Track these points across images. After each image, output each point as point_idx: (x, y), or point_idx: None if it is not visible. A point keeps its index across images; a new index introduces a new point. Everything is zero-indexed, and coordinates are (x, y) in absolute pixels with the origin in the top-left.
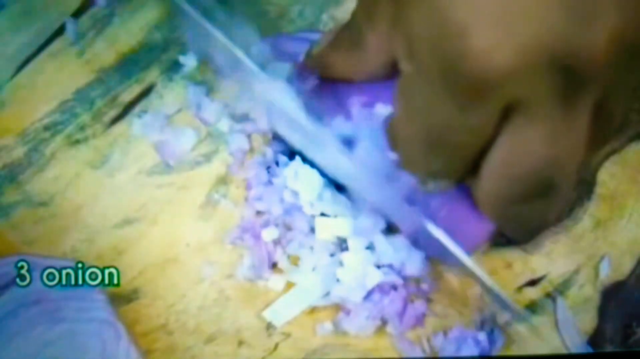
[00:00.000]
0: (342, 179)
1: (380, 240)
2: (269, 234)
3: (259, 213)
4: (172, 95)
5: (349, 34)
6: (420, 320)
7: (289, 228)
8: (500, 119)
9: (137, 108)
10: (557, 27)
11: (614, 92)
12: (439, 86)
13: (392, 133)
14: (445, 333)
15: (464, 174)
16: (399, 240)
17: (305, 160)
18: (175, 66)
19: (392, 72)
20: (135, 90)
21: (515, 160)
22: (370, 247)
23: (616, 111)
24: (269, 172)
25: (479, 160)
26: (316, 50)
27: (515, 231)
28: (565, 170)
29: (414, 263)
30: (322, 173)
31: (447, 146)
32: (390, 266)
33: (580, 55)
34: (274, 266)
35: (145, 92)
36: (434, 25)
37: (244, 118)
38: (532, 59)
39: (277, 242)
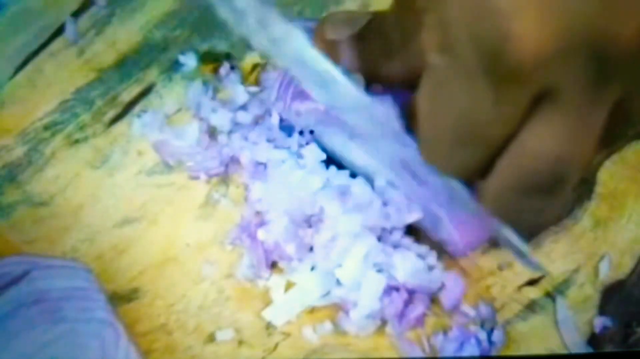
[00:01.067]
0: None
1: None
2: (264, 233)
3: (258, 213)
4: (171, 95)
5: (382, 32)
6: (420, 320)
7: (287, 227)
8: (530, 110)
9: (137, 108)
10: (594, 14)
11: (635, 91)
12: (476, 73)
13: (415, 128)
14: (445, 333)
15: (481, 171)
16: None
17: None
18: (175, 66)
19: (411, 78)
20: (135, 89)
21: (532, 152)
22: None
23: (632, 112)
24: (267, 171)
25: (496, 156)
26: (332, 34)
27: (513, 226)
28: (575, 167)
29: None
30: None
31: (474, 140)
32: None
33: (614, 44)
34: (273, 265)
35: (145, 92)
36: (473, 11)
37: (243, 117)
38: (568, 43)
39: (276, 242)
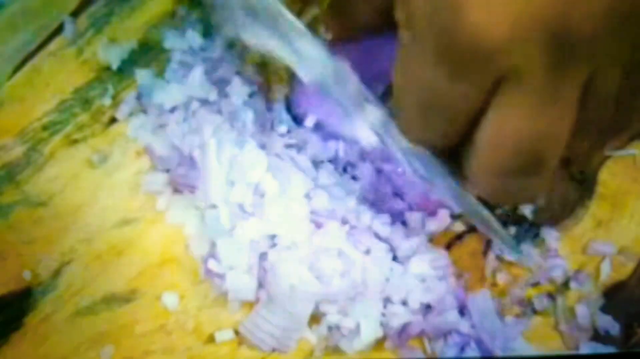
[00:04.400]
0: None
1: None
2: (215, 265)
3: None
4: (170, 95)
5: None
6: (419, 335)
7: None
8: (492, 89)
9: (135, 108)
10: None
11: (603, 71)
12: (432, 55)
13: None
14: (445, 338)
15: (457, 143)
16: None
17: None
18: (173, 65)
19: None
20: (133, 89)
21: (505, 132)
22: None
23: (607, 94)
24: None
25: (471, 131)
26: None
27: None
28: (552, 145)
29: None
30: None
31: (438, 113)
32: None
33: (572, 25)
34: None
35: (143, 91)
36: None
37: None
38: (525, 29)
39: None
